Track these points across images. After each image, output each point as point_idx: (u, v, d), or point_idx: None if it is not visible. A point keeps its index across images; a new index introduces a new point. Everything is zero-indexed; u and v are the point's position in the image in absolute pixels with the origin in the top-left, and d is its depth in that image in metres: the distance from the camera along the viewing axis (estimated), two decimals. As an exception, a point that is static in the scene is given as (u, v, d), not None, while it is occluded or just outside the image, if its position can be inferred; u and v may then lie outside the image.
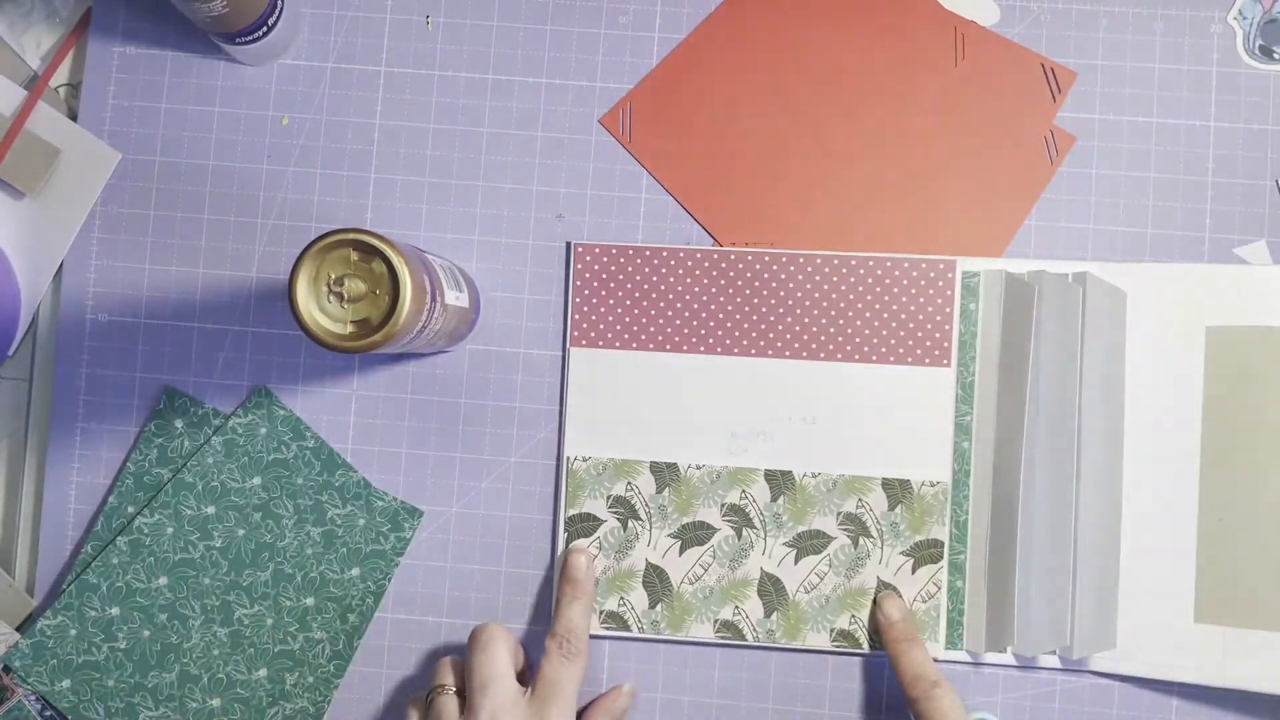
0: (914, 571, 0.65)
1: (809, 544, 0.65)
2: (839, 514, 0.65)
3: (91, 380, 0.68)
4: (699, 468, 0.66)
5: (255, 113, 0.69)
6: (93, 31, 0.69)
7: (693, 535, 0.66)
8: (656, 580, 0.66)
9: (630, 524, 0.66)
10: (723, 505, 0.66)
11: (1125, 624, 0.65)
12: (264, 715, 0.66)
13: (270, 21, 0.65)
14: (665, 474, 0.66)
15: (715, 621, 0.65)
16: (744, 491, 0.66)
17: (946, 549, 0.65)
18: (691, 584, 0.66)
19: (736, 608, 0.65)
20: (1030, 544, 0.63)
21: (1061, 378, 0.64)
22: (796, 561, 0.65)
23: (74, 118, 0.69)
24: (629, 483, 0.66)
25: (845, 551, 0.65)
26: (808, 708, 0.66)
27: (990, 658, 0.65)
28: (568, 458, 0.66)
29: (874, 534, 0.65)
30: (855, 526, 0.65)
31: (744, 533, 0.66)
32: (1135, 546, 0.65)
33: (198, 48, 0.69)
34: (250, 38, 0.65)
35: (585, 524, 0.66)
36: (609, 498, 0.66)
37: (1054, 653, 0.64)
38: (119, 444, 0.68)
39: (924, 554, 0.65)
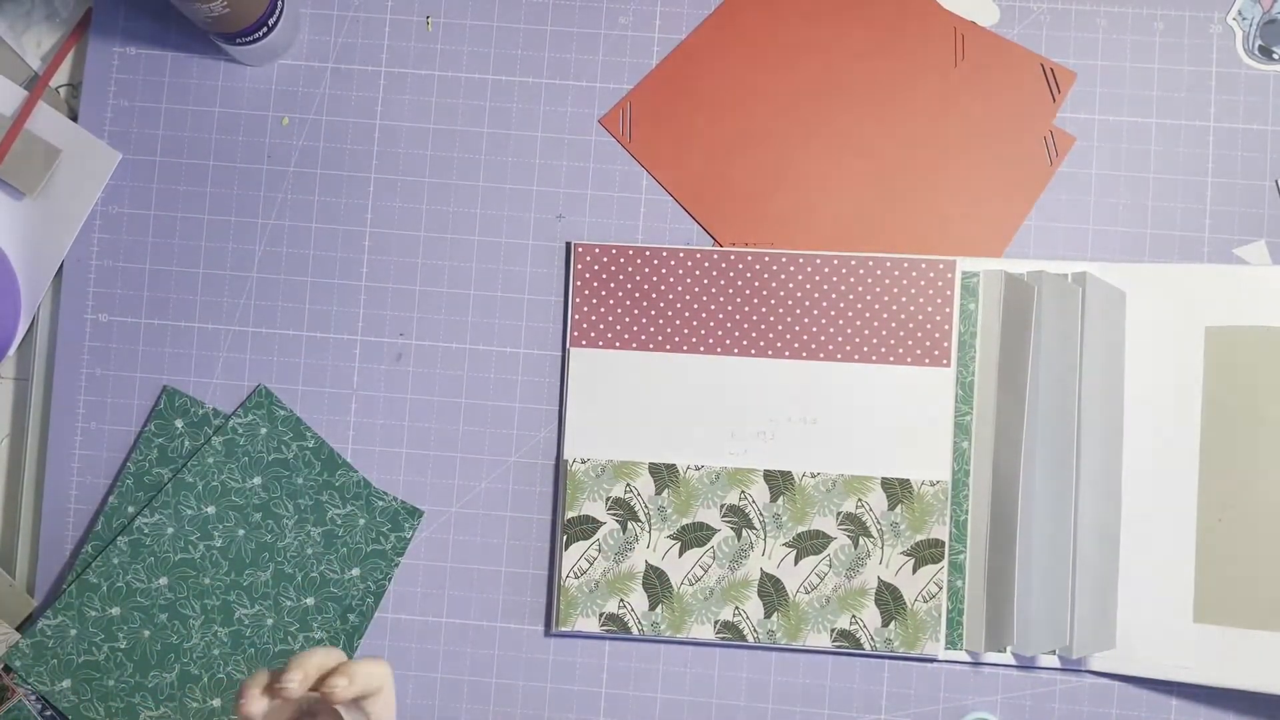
0: (915, 571, 0.65)
1: (809, 544, 0.65)
2: (839, 514, 0.65)
3: (91, 380, 0.68)
4: (698, 469, 0.66)
5: (255, 113, 0.69)
6: (93, 31, 0.69)
7: (692, 536, 0.66)
8: (656, 582, 0.66)
9: (630, 526, 0.66)
10: (722, 506, 0.66)
11: (1125, 624, 0.65)
12: (264, 715, 0.66)
13: (270, 22, 0.65)
14: (664, 475, 0.66)
15: (715, 622, 0.65)
16: (743, 492, 0.66)
17: (947, 549, 0.65)
18: (691, 585, 0.66)
19: (737, 608, 0.65)
20: (1030, 544, 0.63)
21: (1061, 377, 0.64)
22: (796, 562, 0.65)
23: (74, 118, 0.69)
24: (628, 484, 0.66)
25: (845, 552, 0.65)
26: (808, 708, 0.66)
27: (990, 658, 0.65)
28: (567, 460, 0.66)
29: (874, 534, 0.65)
30: (855, 526, 0.65)
31: (744, 533, 0.66)
32: (1135, 546, 0.65)
33: (198, 48, 0.69)
34: (250, 38, 0.65)
35: (584, 526, 0.66)
36: (608, 500, 0.66)
37: (1054, 653, 0.64)
38: (119, 444, 0.68)
39: (925, 554, 0.65)
